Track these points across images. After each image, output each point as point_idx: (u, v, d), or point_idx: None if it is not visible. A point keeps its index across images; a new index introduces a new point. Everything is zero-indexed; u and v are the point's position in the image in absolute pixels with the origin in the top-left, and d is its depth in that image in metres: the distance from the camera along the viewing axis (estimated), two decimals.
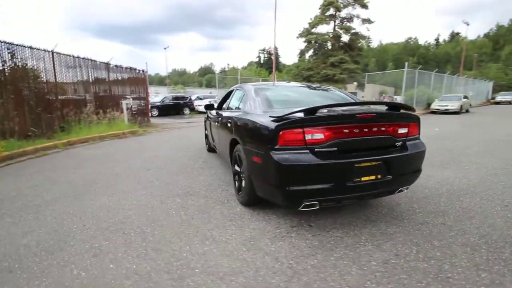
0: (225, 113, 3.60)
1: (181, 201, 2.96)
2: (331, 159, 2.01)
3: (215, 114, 4.46)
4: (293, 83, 3.77)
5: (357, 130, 2.09)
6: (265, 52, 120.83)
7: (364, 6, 17.16)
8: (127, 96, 11.20)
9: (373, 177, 2.11)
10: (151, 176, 3.89)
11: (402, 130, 2.30)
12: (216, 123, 4.04)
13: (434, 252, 1.95)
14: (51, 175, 4.07)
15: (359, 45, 16.96)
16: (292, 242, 2.10)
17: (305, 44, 18.13)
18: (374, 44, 72.23)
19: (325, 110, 2.21)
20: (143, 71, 12.60)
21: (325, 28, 17.89)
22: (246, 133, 2.51)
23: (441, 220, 2.44)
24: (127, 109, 10.43)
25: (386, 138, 2.22)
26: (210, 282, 1.67)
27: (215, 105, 4.63)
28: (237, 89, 3.73)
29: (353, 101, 3.02)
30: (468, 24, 28.98)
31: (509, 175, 3.71)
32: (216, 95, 25.84)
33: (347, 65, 16.04)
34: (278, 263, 1.85)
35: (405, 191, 2.45)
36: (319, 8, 17.79)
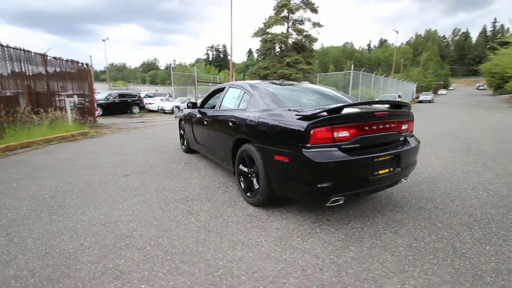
0: (220, 112, 3.45)
1: (185, 207, 2.75)
2: (356, 155, 2.11)
3: (198, 113, 4.25)
4: (286, 82, 3.80)
5: (374, 127, 2.23)
6: (213, 49, 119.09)
7: (314, 10, 18.23)
8: (70, 93, 9.85)
9: (387, 170, 2.29)
10: (134, 183, 3.52)
11: (404, 126, 2.54)
12: (204, 123, 3.85)
13: (442, 233, 2.22)
14: (1, 188, 3.35)
15: (312, 47, 18.02)
16: (322, 238, 2.15)
17: (261, 43, 18.44)
18: (317, 47, 77.44)
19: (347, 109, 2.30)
20: (87, 64, 11.22)
21: (279, 29, 18.52)
22: (265, 132, 2.45)
23: (432, 204, 2.79)
24: (71, 108, 9.16)
25: (394, 134, 2.43)
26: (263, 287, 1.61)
27: (198, 104, 4.41)
28: (231, 87, 3.61)
29: (356, 100, 3.23)
30: (397, 33, 33.27)
31: (462, 162, 4.42)
32: (168, 92, 24.47)
33: (302, 65, 16.91)
34: (320, 259, 1.88)
35: (404, 181, 2.72)
36: (273, 9, 18.31)
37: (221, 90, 3.96)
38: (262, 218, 2.48)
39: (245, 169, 2.83)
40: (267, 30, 17.87)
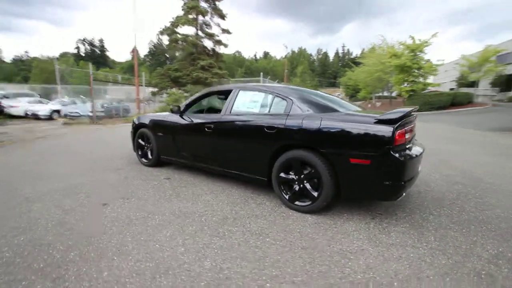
0: (240, 118, 3.08)
1: (239, 229, 2.36)
2: (414, 154, 2.45)
3: (183, 119, 3.66)
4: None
5: (411, 129, 2.63)
6: (86, 43, 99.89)
7: (222, 16, 18.58)
8: None
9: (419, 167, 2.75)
10: (132, 212, 2.67)
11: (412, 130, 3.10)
12: (206, 130, 3.34)
13: (466, 224, 2.80)
14: None
15: (221, 52, 18.26)
16: (396, 230, 2.35)
17: (169, 42, 17.09)
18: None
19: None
20: None
21: (188, 30, 17.78)
22: (334, 136, 2.42)
23: (438, 203, 3.26)
24: None
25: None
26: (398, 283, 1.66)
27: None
28: (243, 90, 3.26)
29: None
30: (286, 47, 38.35)
31: None
32: (39, 93, 18.96)
33: (216, 69, 16.84)
34: (419, 248, 2.07)
35: None
36: (182, 9, 17.36)
37: (221, 93, 3.54)
38: (331, 224, 2.45)
39: (294, 176, 2.70)
40: (175, 30, 16.80)
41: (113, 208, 2.77)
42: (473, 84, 27.54)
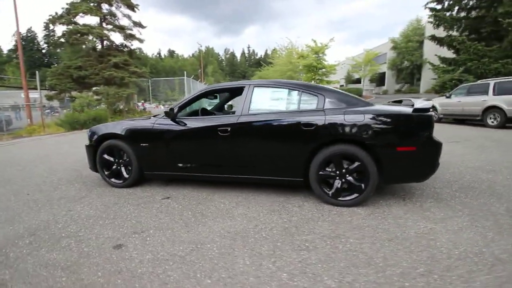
0: (271, 116, 2.80)
1: (310, 237, 2.18)
2: None
3: (180, 124, 3.10)
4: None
5: None
6: None
7: (131, 6, 16.29)
8: None
9: None
10: (160, 249, 2.08)
11: None
12: (219, 134, 2.91)
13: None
14: None
15: (133, 48, 16.04)
16: (434, 208, 2.66)
17: (67, 34, 13.75)
18: None
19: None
20: None
21: (90, 21, 14.84)
22: (381, 128, 2.51)
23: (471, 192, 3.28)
24: None
25: None
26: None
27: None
28: (258, 87, 2.94)
29: None
30: (201, 46, 37.18)
31: None
32: None
33: (134, 68, 14.68)
34: (463, 221, 2.42)
35: None
36: None
37: (226, 91, 3.11)
38: (381, 213, 2.55)
39: (336, 172, 2.67)
40: (74, 20, 13.69)
41: (135, 247, 2.07)
42: (358, 81, 33.96)
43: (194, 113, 3.62)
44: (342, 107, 2.70)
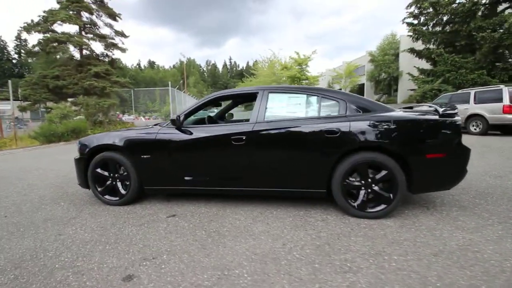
0: (290, 123, 2.59)
1: (348, 256, 1.96)
2: None
3: (188, 133, 2.83)
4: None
5: None
6: None
7: (113, 16, 15.82)
8: None
9: None
10: (180, 278, 1.77)
11: None
12: (233, 143, 2.66)
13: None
14: None
15: (115, 57, 15.41)
16: (463, 216, 2.55)
17: (43, 42, 12.95)
18: None
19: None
20: None
21: (70, 29, 14.16)
22: (410, 134, 2.40)
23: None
24: None
25: None
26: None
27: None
28: (273, 92, 2.73)
29: None
30: (184, 56, 36.88)
31: None
32: None
33: (116, 77, 14.05)
34: (497, 232, 2.31)
35: None
36: (58, 2, 13.55)
37: (242, 97, 2.86)
38: (412, 224, 2.39)
39: (362, 182, 2.50)
40: (51, 27, 12.95)
41: (150, 278, 1.74)
42: None
43: (201, 122, 3.35)
44: (365, 112, 2.56)
